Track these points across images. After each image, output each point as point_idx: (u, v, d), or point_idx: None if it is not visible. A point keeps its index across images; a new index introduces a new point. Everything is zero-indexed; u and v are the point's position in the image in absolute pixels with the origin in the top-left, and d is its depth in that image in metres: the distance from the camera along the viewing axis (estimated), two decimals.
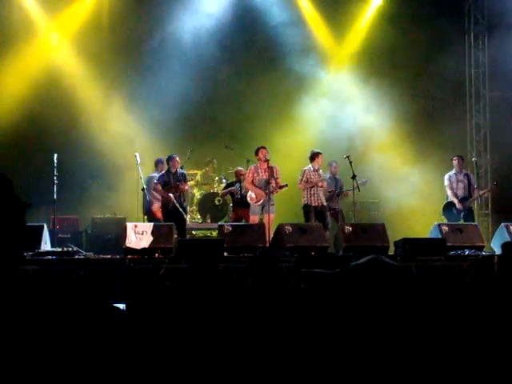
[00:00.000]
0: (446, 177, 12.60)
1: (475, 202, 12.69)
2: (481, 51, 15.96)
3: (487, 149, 15.82)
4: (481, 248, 10.84)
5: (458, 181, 12.48)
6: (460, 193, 12.43)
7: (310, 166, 12.06)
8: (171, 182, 11.92)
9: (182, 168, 12.44)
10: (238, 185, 13.03)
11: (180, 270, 9.19)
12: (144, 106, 14.72)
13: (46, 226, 10.60)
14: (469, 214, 12.38)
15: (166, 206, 11.90)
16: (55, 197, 11.08)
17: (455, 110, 15.71)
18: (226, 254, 10.02)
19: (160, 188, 11.93)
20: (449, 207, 12.49)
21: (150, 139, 14.49)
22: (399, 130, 15.21)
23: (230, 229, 10.53)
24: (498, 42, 15.35)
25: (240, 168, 13.25)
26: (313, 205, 11.93)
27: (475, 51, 15.98)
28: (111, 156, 14.22)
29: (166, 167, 12.33)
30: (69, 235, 12.09)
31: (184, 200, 12.09)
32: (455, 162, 12.59)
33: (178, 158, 12.13)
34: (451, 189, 12.48)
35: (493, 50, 15.70)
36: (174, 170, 12.00)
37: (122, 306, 3.85)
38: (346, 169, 12.26)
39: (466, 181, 12.49)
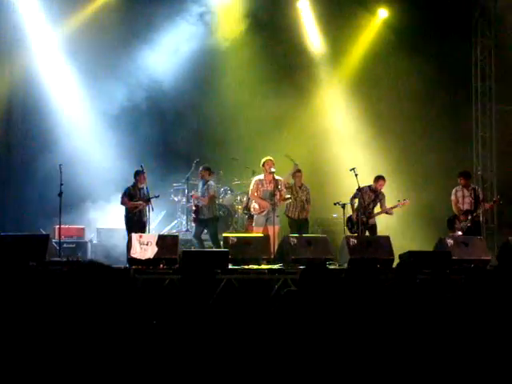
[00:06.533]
0: (453, 191, 12.56)
1: (481, 215, 12.62)
2: (487, 65, 15.96)
3: (493, 162, 15.78)
4: (486, 262, 10.79)
5: (464, 196, 12.42)
6: (466, 207, 12.37)
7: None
8: (137, 195, 11.94)
9: (188, 179, 12.58)
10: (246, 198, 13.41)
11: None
12: (150, 117, 14.77)
13: (50, 237, 10.60)
14: (473, 228, 12.30)
15: (131, 218, 11.88)
16: (61, 207, 11.09)
17: (461, 123, 15.70)
18: (230, 265, 10.00)
19: (127, 201, 11.91)
20: (453, 221, 12.44)
21: (156, 150, 14.54)
22: (405, 142, 15.19)
23: (235, 240, 10.53)
24: (504, 55, 15.36)
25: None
26: None
27: (482, 65, 15.98)
28: (118, 167, 14.24)
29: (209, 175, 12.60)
30: (74, 245, 12.09)
31: (144, 215, 12.02)
32: (461, 182, 12.51)
33: (145, 175, 12.05)
34: (456, 203, 12.45)
35: (500, 63, 15.71)
36: (140, 185, 12.01)
37: None
38: (351, 181, 12.27)
39: (472, 195, 12.40)
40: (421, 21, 15.35)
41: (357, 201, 12.55)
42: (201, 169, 12.75)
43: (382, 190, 12.52)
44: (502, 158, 15.64)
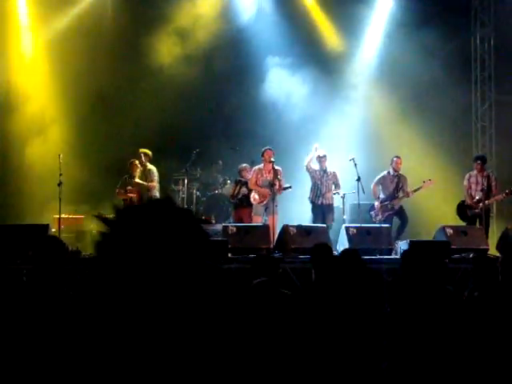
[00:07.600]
0: (466, 176, 12.44)
1: (491, 204, 12.62)
2: (487, 54, 15.94)
3: (492, 152, 15.78)
4: (485, 251, 10.81)
5: (477, 182, 12.29)
6: (478, 194, 12.21)
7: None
8: (130, 185, 12.21)
9: (186, 170, 12.55)
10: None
11: None
12: (150, 107, 14.73)
13: (50, 226, 10.61)
14: (483, 216, 12.14)
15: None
16: (60, 196, 11.10)
17: (461, 113, 15.66)
18: (230, 254, 10.03)
19: (122, 192, 12.24)
20: (463, 208, 12.39)
21: (155, 140, 14.52)
22: (406, 131, 15.16)
23: (235, 230, 10.54)
24: (504, 44, 15.34)
25: (244, 165, 13.25)
26: None
27: (481, 54, 15.96)
28: (118, 155, 14.22)
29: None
30: (73, 235, 12.09)
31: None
32: (477, 167, 12.39)
33: (137, 162, 12.27)
34: (467, 190, 12.36)
35: (499, 52, 15.69)
36: (134, 175, 12.28)
37: None
38: (351, 172, 12.29)
39: (485, 183, 12.20)
40: (419, 10, 15.29)
41: (378, 188, 12.57)
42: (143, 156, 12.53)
43: (402, 172, 12.59)
44: (500, 148, 15.61)
